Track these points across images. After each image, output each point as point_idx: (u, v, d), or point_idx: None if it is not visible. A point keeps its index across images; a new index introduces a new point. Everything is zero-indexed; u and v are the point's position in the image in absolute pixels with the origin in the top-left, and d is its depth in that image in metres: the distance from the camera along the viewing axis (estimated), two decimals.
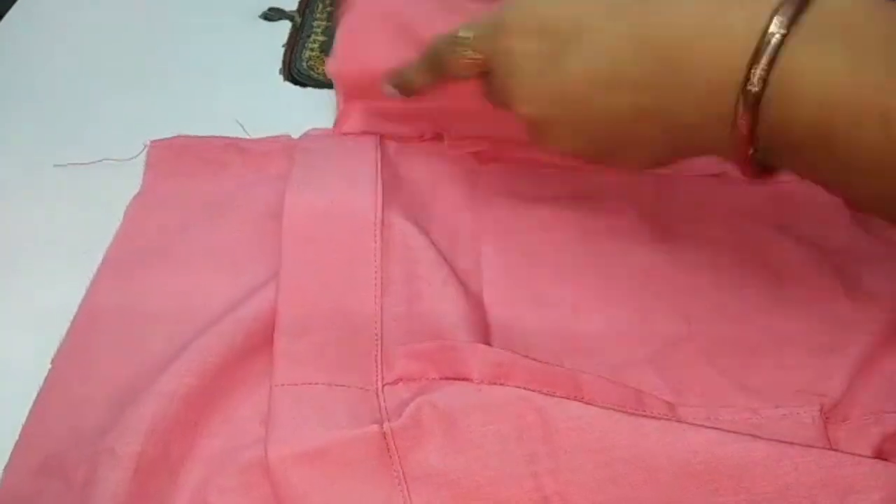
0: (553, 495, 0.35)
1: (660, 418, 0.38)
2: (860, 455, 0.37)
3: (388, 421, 0.37)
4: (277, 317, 0.41)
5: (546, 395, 0.37)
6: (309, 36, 0.64)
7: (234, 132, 0.54)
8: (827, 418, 0.39)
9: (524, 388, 0.38)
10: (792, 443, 0.36)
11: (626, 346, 0.43)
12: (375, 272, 0.44)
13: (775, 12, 0.34)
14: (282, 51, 0.63)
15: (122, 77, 0.60)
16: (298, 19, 0.66)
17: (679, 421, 0.38)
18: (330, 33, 0.65)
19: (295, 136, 0.54)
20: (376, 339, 0.41)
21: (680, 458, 0.35)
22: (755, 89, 0.34)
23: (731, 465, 0.35)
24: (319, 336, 0.41)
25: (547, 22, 0.40)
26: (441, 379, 0.39)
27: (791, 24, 0.33)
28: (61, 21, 0.65)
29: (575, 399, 0.38)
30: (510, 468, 0.35)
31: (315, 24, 0.66)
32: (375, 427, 0.37)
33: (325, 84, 0.60)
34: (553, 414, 0.36)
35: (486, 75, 0.43)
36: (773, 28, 0.34)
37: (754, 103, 0.34)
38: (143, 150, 0.52)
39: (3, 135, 0.55)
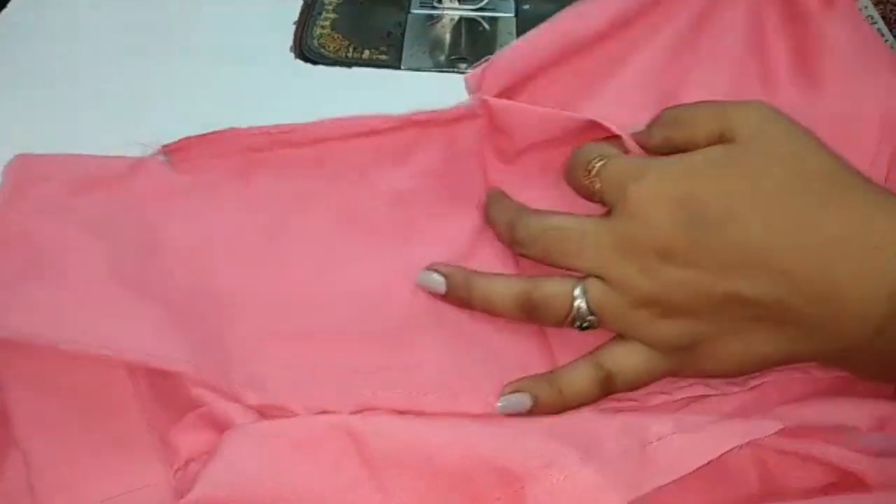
0: None
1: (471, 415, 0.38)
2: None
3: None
4: (28, 457, 0.37)
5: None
6: (320, 13, 0.64)
7: (244, 109, 0.54)
8: None
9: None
10: None
11: None
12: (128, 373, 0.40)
13: None
14: (293, 28, 0.62)
15: (132, 54, 0.60)
16: None
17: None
18: (341, 11, 0.64)
19: (306, 113, 0.53)
20: (149, 430, 0.38)
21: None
22: None
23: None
24: (81, 454, 0.37)
25: None
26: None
27: None
28: None
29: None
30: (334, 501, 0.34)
31: (326, 1, 0.65)
32: None
33: (336, 62, 0.59)
34: (362, 433, 0.35)
35: None
36: None
37: None
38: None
39: (14, 114, 0.55)
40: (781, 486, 0.35)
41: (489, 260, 0.44)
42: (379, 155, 0.48)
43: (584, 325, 0.39)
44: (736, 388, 0.39)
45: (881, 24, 0.57)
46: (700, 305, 0.37)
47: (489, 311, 0.41)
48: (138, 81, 0.57)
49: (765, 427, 0.34)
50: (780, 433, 0.34)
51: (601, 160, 0.40)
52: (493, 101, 0.46)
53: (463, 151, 0.48)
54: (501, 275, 0.42)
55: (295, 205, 0.47)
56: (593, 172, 0.40)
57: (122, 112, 0.55)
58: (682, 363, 0.39)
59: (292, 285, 0.43)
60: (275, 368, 0.40)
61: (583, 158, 0.41)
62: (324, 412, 0.38)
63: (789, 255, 0.35)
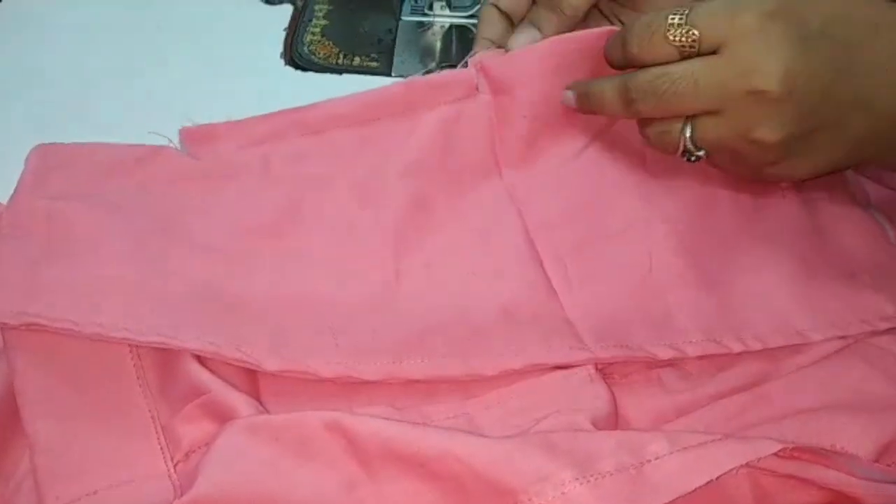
0: None
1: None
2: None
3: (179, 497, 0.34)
4: (32, 438, 0.37)
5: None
6: (310, 20, 0.64)
7: (234, 116, 0.53)
8: None
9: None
10: None
11: None
12: (134, 363, 0.40)
13: None
14: (283, 35, 0.62)
15: (124, 62, 0.59)
16: (300, 3, 0.65)
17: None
18: (332, 17, 0.64)
19: None
20: (153, 420, 0.38)
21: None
22: None
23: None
24: (85, 439, 0.38)
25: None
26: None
27: None
28: (60, 4, 0.64)
29: None
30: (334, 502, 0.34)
31: (317, 7, 0.65)
32: None
33: (327, 68, 0.59)
34: (356, 433, 0.35)
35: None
36: None
37: None
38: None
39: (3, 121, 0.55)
40: None
41: (502, 231, 0.45)
42: (388, 133, 0.49)
43: (693, 159, 0.41)
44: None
45: None
46: (814, 122, 0.39)
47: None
48: (127, 89, 0.57)
49: (763, 447, 0.33)
50: (778, 454, 0.34)
51: (677, 15, 0.40)
52: (488, 58, 0.47)
53: (469, 120, 0.48)
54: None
55: (311, 184, 0.47)
56: (685, 23, 0.39)
57: (109, 120, 0.54)
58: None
59: (309, 259, 0.44)
60: (294, 335, 0.41)
61: (649, 25, 0.40)
62: (347, 377, 0.39)
63: (869, 51, 0.39)
